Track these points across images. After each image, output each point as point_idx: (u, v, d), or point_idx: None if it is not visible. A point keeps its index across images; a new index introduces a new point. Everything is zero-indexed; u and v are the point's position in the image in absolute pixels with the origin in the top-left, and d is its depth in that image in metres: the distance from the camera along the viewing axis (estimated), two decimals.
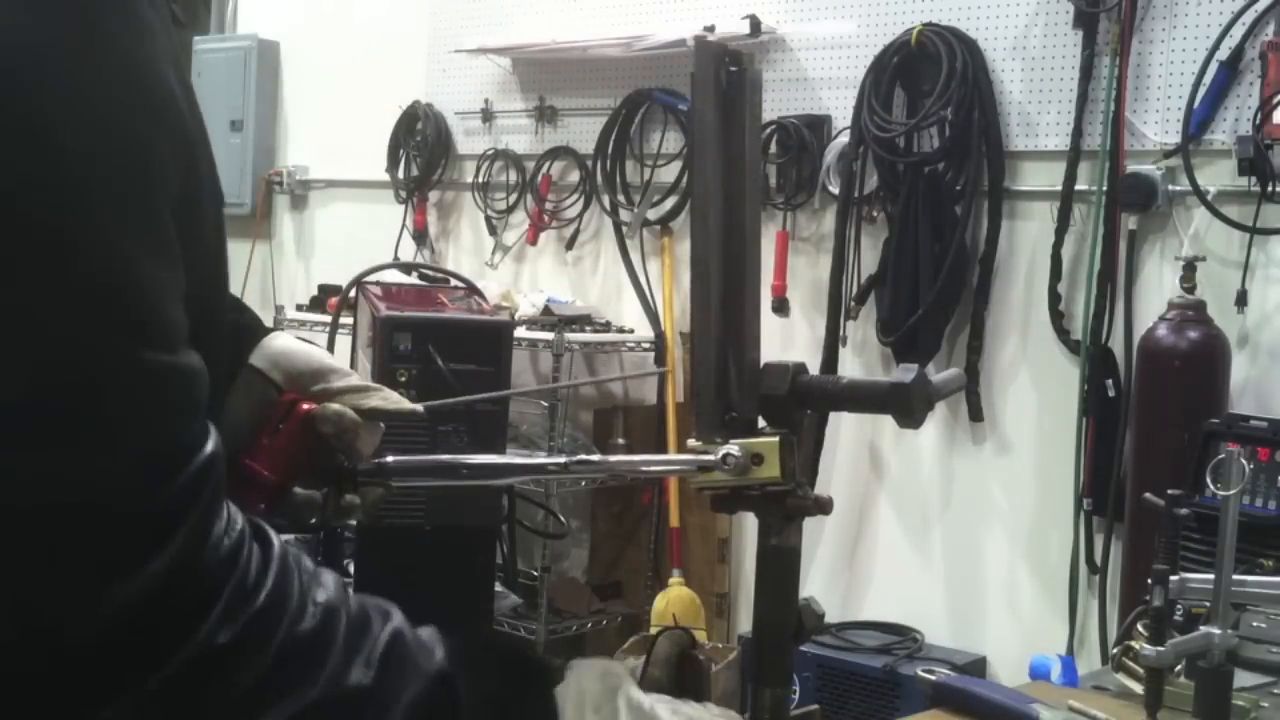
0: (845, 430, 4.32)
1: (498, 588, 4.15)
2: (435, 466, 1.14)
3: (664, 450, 4.53)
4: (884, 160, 4.11)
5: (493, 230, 5.25)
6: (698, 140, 0.93)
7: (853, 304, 4.24)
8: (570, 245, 5.04)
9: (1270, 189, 3.47)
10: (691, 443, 0.96)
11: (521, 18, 5.06)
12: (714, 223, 0.94)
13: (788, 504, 0.95)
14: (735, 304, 0.96)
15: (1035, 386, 4.04)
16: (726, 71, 0.95)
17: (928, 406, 0.92)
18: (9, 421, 0.67)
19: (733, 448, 0.94)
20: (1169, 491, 1.75)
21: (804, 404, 0.96)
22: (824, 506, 0.96)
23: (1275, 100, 3.40)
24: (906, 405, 0.92)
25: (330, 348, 3.87)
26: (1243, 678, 1.78)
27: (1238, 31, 3.58)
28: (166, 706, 0.70)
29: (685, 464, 0.96)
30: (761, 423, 0.97)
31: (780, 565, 0.98)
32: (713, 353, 0.95)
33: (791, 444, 0.94)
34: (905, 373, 0.92)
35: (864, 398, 0.97)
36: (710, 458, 0.94)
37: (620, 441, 4.72)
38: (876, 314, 4.19)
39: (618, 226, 4.87)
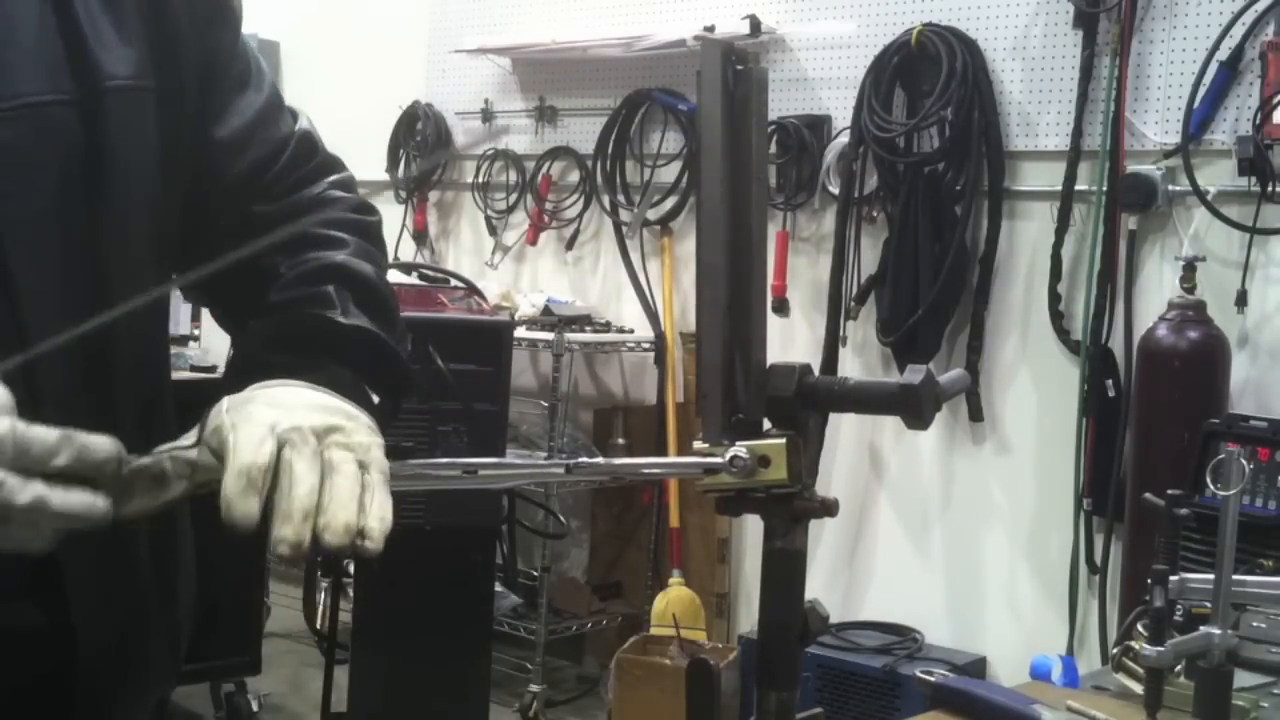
0: (845, 430, 4.32)
1: (498, 588, 4.15)
2: (435, 473, 1.10)
3: (664, 450, 4.53)
4: (884, 160, 4.11)
5: (493, 230, 5.25)
6: (704, 139, 0.93)
7: (853, 304, 4.24)
8: (570, 245, 5.03)
9: (1270, 189, 3.48)
10: (697, 444, 0.95)
11: (521, 18, 5.06)
12: (720, 223, 0.94)
13: (794, 506, 0.95)
14: (742, 305, 0.95)
15: (1035, 386, 4.04)
16: (733, 70, 0.95)
17: (936, 408, 0.92)
18: None
19: (740, 450, 0.93)
20: (1169, 491, 1.75)
21: (811, 405, 0.96)
22: (830, 509, 0.96)
23: (1275, 100, 3.41)
24: (915, 406, 0.91)
25: None
26: (1243, 678, 1.77)
27: (1238, 31, 3.58)
28: None
29: (691, 466, 0.96)
30: (767, 424, 0.97)
31: (786, 568, 0.97)
32: (719, 354, 0.94)
33: (798, 446, 0.93)
34: (913, 374, 0.92)
35: (872, 399, 0.96)
36: (717, 460, 0.94)
37: (620, 442, 4.72)
38: (876, 314, 4.19)
39: (618, 226, 4.87)
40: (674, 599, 4.44)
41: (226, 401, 0.96)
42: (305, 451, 0.92)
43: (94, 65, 1.04)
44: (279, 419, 0.93)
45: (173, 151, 1.11)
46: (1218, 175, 3.63)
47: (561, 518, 4.45)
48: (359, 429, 0.97)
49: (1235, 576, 1.62)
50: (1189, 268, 3.57)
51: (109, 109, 1.04)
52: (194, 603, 1.22)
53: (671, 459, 3.89)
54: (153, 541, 1.12)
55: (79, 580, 1.05)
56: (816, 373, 0.98)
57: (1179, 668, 1.72)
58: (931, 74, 4.01)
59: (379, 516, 0.93)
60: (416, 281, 4.25)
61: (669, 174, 4.75)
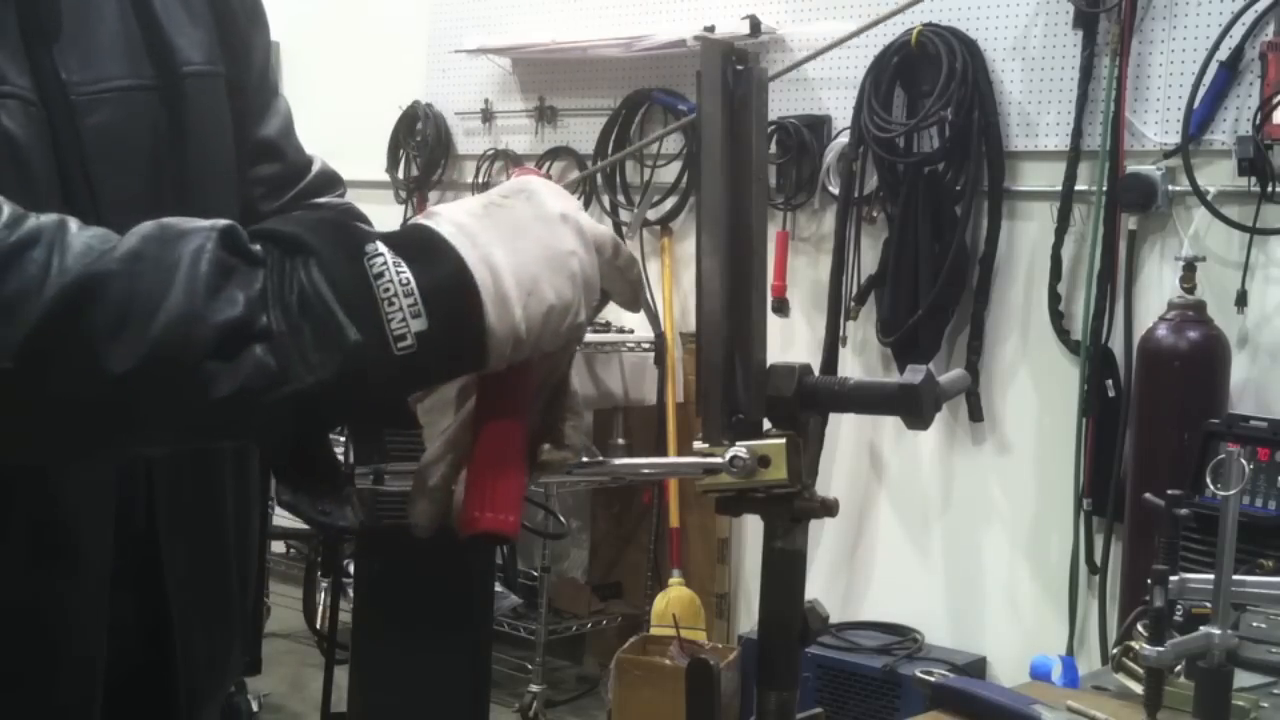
0: (845, 430, 4.33)
1: (498, 588, 4.16)
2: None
3: (664, 450, 4.53)
4: (884, 160, 4.12)
5: None
6: (704, 140, 0.93)
7: (853, 304, 4.24)
8: None
9: (1270, 189, 3.48)
10: (697, 445, 0.95)
11: (521, 18, 5.06)
12: (720, 223, 0.94)
13: (794, 506, 0.95)
14: (742, 305, 0.95)
15: (1035, 386, 4.05)
16: (733, 70, 0.95)
17: (936, 407, 0.92)
18: None
19: (739, 450, 0.93)
20: (1169, 491, 1.75)
21: (811, 405, 0.95)
22: (830, 509, 0.95)
23: (1275, 100, 3.41)
24: (916, 406, 0.91)
25: None
26: (1243, 678, 1.77)
27: (1238, 32, 3.58)
28: None
29: (691, 466, 0.96)
30: (767, 424, 0.97)
31: (786, 568, 0.97)
32: (719, 354, 0.94)
33: (798, 446, 0.93)
34: (914, 374, 0.92)
35: (872, 399, 0.96)
36: (717, 460, 0.94)
37: (620, 442, 4.72)
38: (876, 314, 4.19)
39: (618, 226, 4.86)
40: (674, 599, 4.44)
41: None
42: None
43: (171, 51, 1.05)
44: None
45: (240, 139, 1.13)
46: (1218, 175, 3.63)
47: (561, 518, 4.44)
48: None
49: (1235, 576, 1.62)
50: (1189, 268, 3.57)
51: (188, 93, 1.06)
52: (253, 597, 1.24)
53: (671, 459, 3.88)
54: (237, 534, 1.14)
55: (177, 572, 1.06)
56: (816, 373, 0.98)
57: (1179, 668, 1.73)
58: (931, 74, 4.01)
59: None
60: None
61: (669, 174, 4.75)
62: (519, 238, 0.83)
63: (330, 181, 1.26)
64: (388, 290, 0.79)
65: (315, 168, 1.25)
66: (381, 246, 0.81)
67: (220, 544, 1.11)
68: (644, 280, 0.92)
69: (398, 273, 0.80)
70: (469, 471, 0.89)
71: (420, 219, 0.85)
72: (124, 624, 1.02)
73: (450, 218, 0.84)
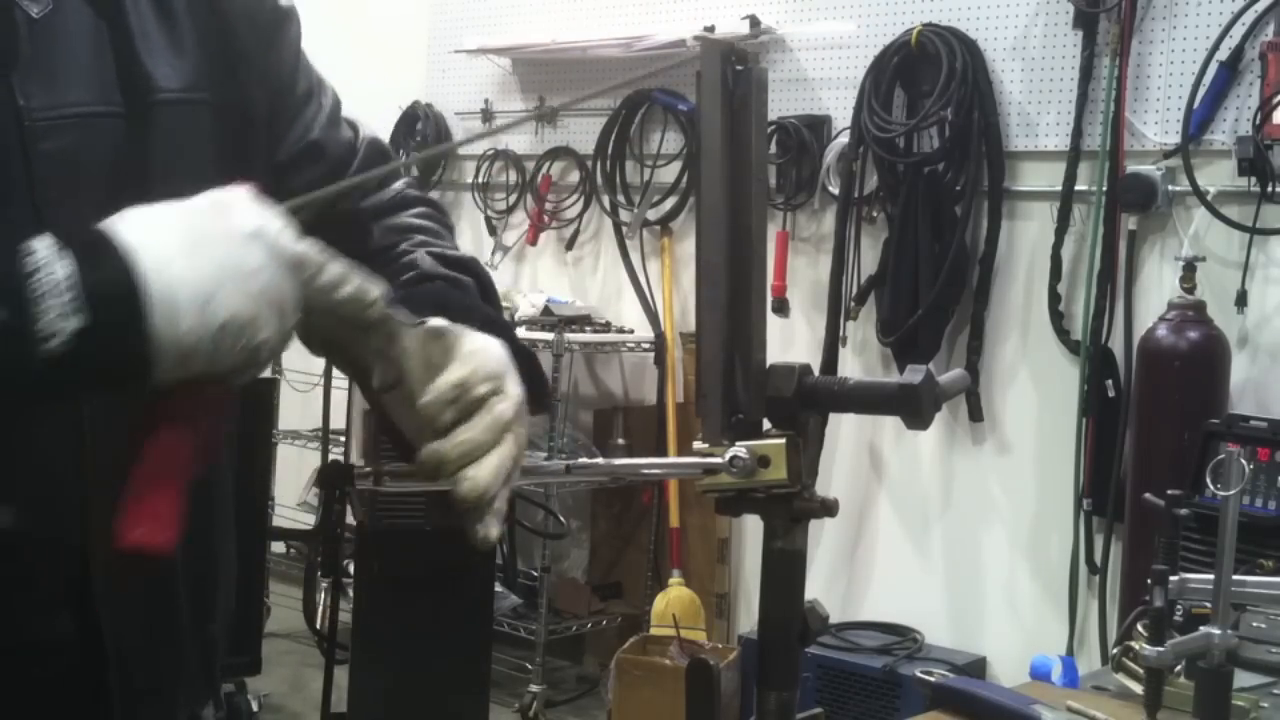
0: (845, 430, 4.33)
1: (498, 588, 4.16)
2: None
3: (664, 450, 4.53)
4: (884, 160, 4.12)
5: (493, 230, 5.25)
6: (704, 140, 0.93)
7: (853, 304, 4.24)
8: (570, 245, 5.04)
9: (1270, 189, 3.48)
10: (697, 445, 0.96)
11: (521, 18, 5.06)
12: (720, 223, 0.94)
13: (794, 506, 0.95)
14: (741, 305, 0.95)
15: (1035, 386, 4.05)
16: (733, 70, 0.95)
17: (935, 407, 0.92)
18: None
19: (739, 450, 0.93)
20: (1169, 491, 1.75)
21: (810, 405, 0.96)
22: (830, 509, 0.96)
23: (1275, 100, 3.41)
24: (915, 407, 0.91)
25: None
26: (1243, 678, 1.77)
27: (1238, 32, 3.58)
28: None
29: (691, 466, 0.96)
30: (766, 425, 0.97)
31: (786, 568, 0.97)
32: (719, 355, 0.94)
33: (798, 446, 0.93)
34: (913, 374, 0.92)
35: (872, 399, 0.96)
36: (717, 460, 0.94)
37: (620, 442, 4.72)
38: (876, 314, 4.19)
39: (618, 226, 4.87)
40: (674, 599, 4.44)
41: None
42: (508, 408, 0.92)
43: (144, 78, 1.05)
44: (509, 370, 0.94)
45: (237, 162, 1.11)
46: (1218, 175, 3.63)
47: (561, 518, 4.45)
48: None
49: (1235, 576, 1.62)
50: (1189, 268, 3.58)
51: (158, 120, 1.06)
52: (231, 617, 1.23)
53: (671, 459, 3.89)
54: (187, 555, 1.12)
55: (109, 592, 1.05)
56: (816, 373, 0.98)
57: (1179, 668, 1.72)
58: (931, 74, 4.01)
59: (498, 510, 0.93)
60: None
61: (669, 174, 4.75)
62: (201, 249, 0.83)
63: (379, 159, 1.25)
64: (39, 287, 0.79)
65: (359, 153, 1.24)
66: (43, 243, 0.81)
67: (161, 565, 1.10)
68: (372, 305, 0.89)
69: (57, 268, 0.80)
70: (129, 485, 0.87)
71: (108, 221, 0.84)
72: (55, 644, 1.02)
73: (135, 221, 0.84)
